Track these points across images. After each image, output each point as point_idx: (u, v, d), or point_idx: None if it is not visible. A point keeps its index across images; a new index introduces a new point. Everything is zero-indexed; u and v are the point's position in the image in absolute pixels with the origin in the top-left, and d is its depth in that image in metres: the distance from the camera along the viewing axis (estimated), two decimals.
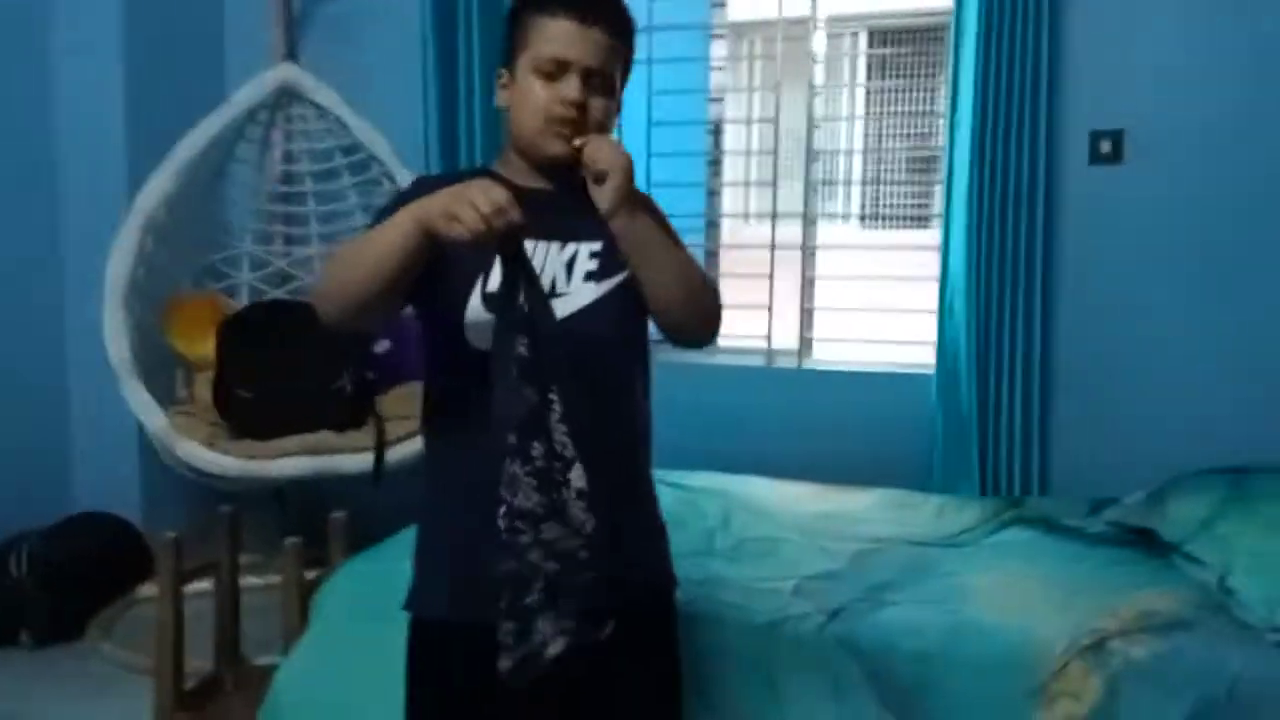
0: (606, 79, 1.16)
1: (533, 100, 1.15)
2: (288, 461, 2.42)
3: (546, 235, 1.16)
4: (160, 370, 2.63)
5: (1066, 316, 2.60)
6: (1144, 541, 2.02)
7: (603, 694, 1.20)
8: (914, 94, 7.04)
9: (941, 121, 2.69)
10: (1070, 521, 2.17)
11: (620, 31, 1.18)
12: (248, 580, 2.33)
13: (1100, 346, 2.59)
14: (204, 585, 2.12)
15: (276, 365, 2.52)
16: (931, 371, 2.69)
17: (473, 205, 0.98)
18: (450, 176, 1.23)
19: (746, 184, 3.87)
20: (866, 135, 5.89)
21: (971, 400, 2.58)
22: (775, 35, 2.90)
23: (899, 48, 6.64)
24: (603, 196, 1.10)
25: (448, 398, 1.22)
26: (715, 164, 3.07)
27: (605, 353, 1.17)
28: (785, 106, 2.90)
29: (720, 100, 3.05)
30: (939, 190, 2.72)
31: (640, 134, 2.89)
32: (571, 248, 1.18)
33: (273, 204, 3.04)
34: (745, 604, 1.76)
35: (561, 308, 1.14)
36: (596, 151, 1.11)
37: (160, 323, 2.66)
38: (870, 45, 7.13)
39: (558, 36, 1.14)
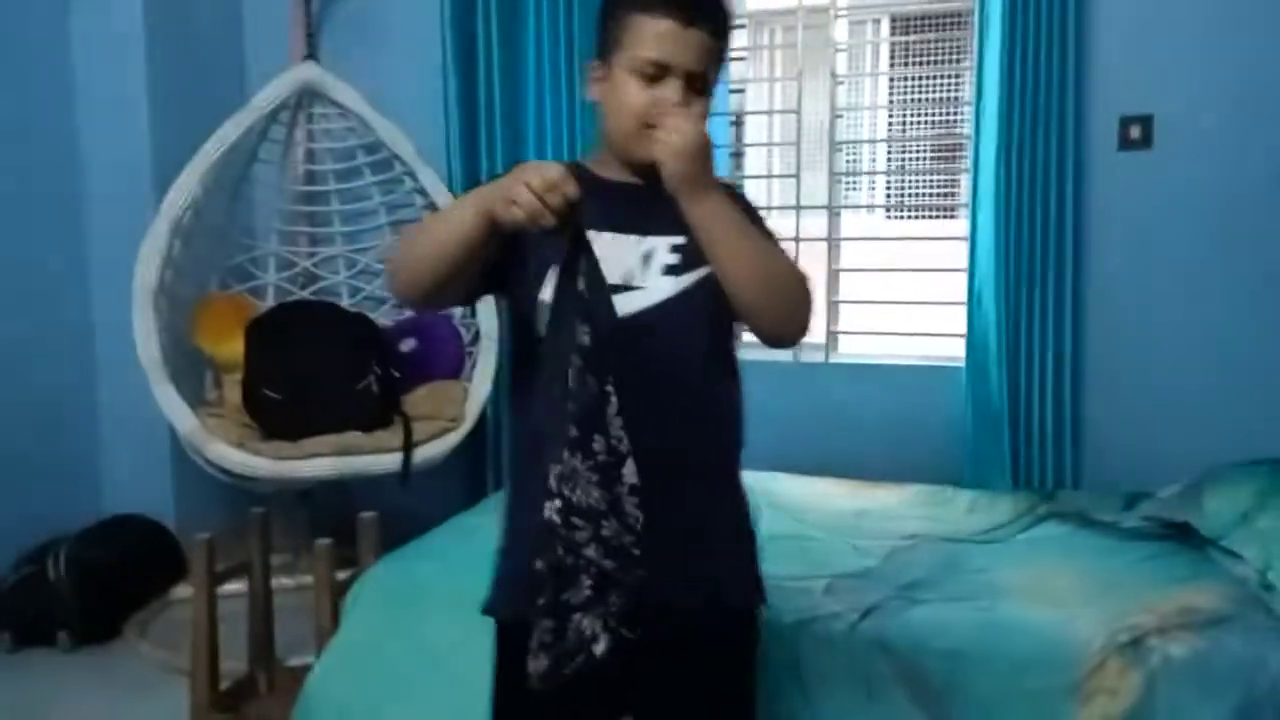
0: (705, 80, 1.13)
1: (629, 102, 1.11)
2: (317, 462, 2.43)
3: (624, 227, 1.14)
4: (189, 372, 2.66)
5: (1097, 306, 2.56)
6: (1180, 535, 1.99)
7: (660, 701, 1.16)
8: (938, 81, 6.97)
9: (967, 109, 2.65)
10: (1105, 516, 2.14)
11: (721, 30, 1.14)
12: (279, 581, 2.35)
13: (1132, 337, 2.55)
14: (237, 586, 2.14)
15: (303, 365, 2.53)
16: (961, 364, 2.66)
17: (526, 185, 0.96)
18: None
19: (769, 176, 3.84)
20: (890, 124, 5.82)
21: (1002, 393, 2.55)
22: (796, 24, 2.87)
23: (921, 34, 6.56)
24: (666, 176, 1.07)
25: (523, 388, 1.16)
26: (738, 156, 3.04)
27: (677, 349, 1.13)
28: (807, 96, 2.87)
29: (742, 91, 3.02)
30: (964, 180, 2.69)
31: None
32: (650, 241, 1.14)
33: (296, 204, 3.05)
34: (776, 603, 1.74)
35: (635, 301, 1.12)
36: (665, 132, 1.07)
37: (188, 324, 2.69)
38: (892, 32, 7.06)
39: (658, 38, 1.09)
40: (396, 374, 2.67)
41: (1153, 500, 2.13)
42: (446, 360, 2.82)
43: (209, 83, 3.02)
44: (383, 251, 2.99)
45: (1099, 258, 2.56)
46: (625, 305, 1.11)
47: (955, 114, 6.35)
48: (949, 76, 6.99)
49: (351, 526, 2.08)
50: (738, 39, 3.05)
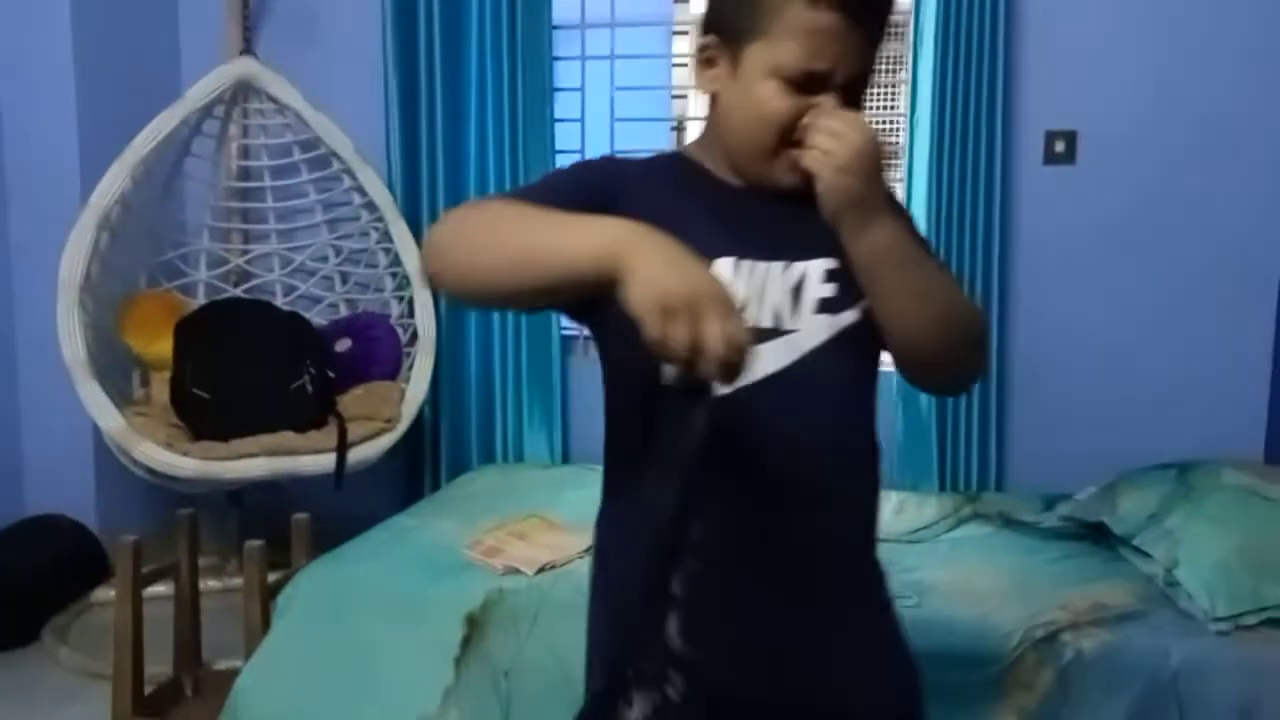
0: (861, 91, 0.88)
1: (769, 111, 0.86)
2: (248, 463, 2.39)
3: (765, 251, 0.88)
4: (116, 370, 2.59)
5: (1022, 315, 2.66)
6: (1095, 535, 2.08)
7: None
8: (876, 90, 7.07)
9: (902, 119, 2.73)
10: (1026, 516, 2.22)
11: (884, 25, 0.89)
12: (206, 583, 2.30)
13: (1054, 346, 2.65)
14: (161, 589, 2.09)
15: (235, 364, 2.49)
16: (891, 369, 2.72)
17: (702, 334, 0.69)
18: (641, 163, 0.97)
19: None
20: None
21: (930, 398, 2.62)
22: None
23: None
24: (824, 196, 0.84)
25: (632, 442, 0.89)
26: None
27: (825, 411, 0.89)
28: None
29: (684, 98, 3.05)
30: (898, 188, 2.76)
31: (604, 131, 2.90)
32: (799, 268, 0.88)
33: (230, 200, 2.99)
34: None
35: (784, 353, 0.87)
36: (823, 137, 0.83)
37: (115, 322, 2.62)
38: None
39: (818, 36, 0.83)
40: (331, 374, 2.64)
41: (1070, 501, 2.22)
42: (383, 361, 2.79)
43: (141, 73, 2.95)
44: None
45: (1024, 269, 2.65)
46: (776, 357, 0.86)
47: (891, 123, 6.50)
48: (887, 86, 7.12)
49: (284, 528, 2.05)
50: (679, 45, 3.09)
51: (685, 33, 3.07)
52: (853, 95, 0.87)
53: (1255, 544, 1.78)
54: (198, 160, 2.92)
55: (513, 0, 2.75)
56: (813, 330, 0.87)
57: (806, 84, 0.85)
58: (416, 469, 2.91)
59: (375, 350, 2.80)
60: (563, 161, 2.85)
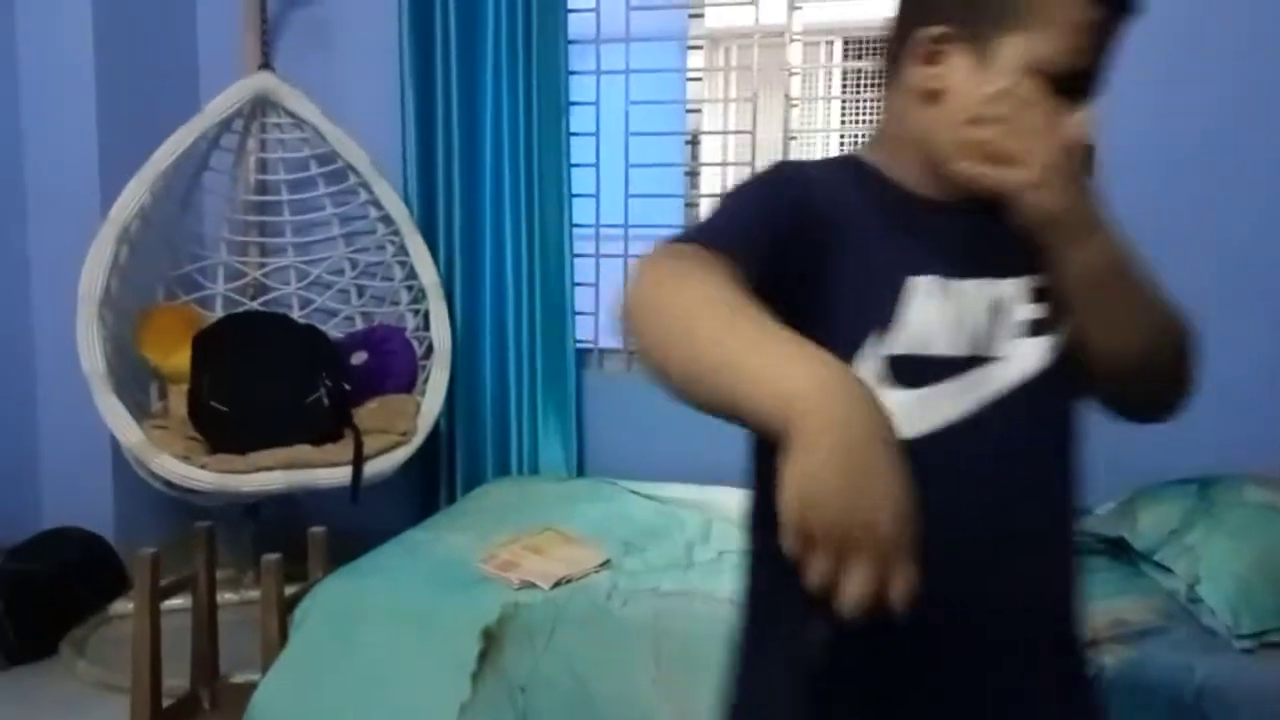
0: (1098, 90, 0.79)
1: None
2: (265, 476, 2.40)
3: (961, 268, 0.77)
4: (134, 383, 2.61)
5: None
6: (1115, 550, 2.06)
7: None
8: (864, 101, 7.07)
9: None
10: None
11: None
12: (223, 597, 2.31)
13: None
14: (178, 602, 2.10)
15: (252, 378, 2.50)
16: None
17: (847, 575, 0.54)
18: (821, 166, 0.87)
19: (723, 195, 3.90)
20: (842, 145, 5.94)
21: None
22: (751, 45, 2.92)
23: (873, 59, 6.69)
24: (1030, 208, 0.74)
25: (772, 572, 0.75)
26: (693, 175, 3.08)
27: (1042, 459, 0.78)
28: (762, 117, 2.92)
29: (698, 111, 3.06)
30: None
31: (618, 144, 2.91)
32: (998, 287, 0.78)
33: (247, 214, 3.02)
34: (728, 617, 1.77)
35: (993, 381, 0.75)
36: (1008, 137, 0.73)
37: (133, 335, 2.64)
38: (845, 56, 7.19)
39: (1089, 31, 0.74)
40: (347, 387, 2.65)
41: (1090, 516, 2.20)
42: (398, 374, 2.80)
43: (159, 88, 2.98)
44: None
45: None
46: (978, 389, 0.75)
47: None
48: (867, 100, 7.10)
49: (300, 541, 2.06)
50: (694, 60, 3.10)
51: (699, 47, 3.08)
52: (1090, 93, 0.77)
53: (1278, 560, 1.76)
54: (215, 174, 2.95)
55: (529, 15, 2.76)
56: (1025, 357, 0.76)
57: (1068, 84, 0.75)
58: (432, 482, 2.91)
59: (391, 363, 2.81)
60: (578, 176, 2.86)
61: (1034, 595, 0.77)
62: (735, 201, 0.80)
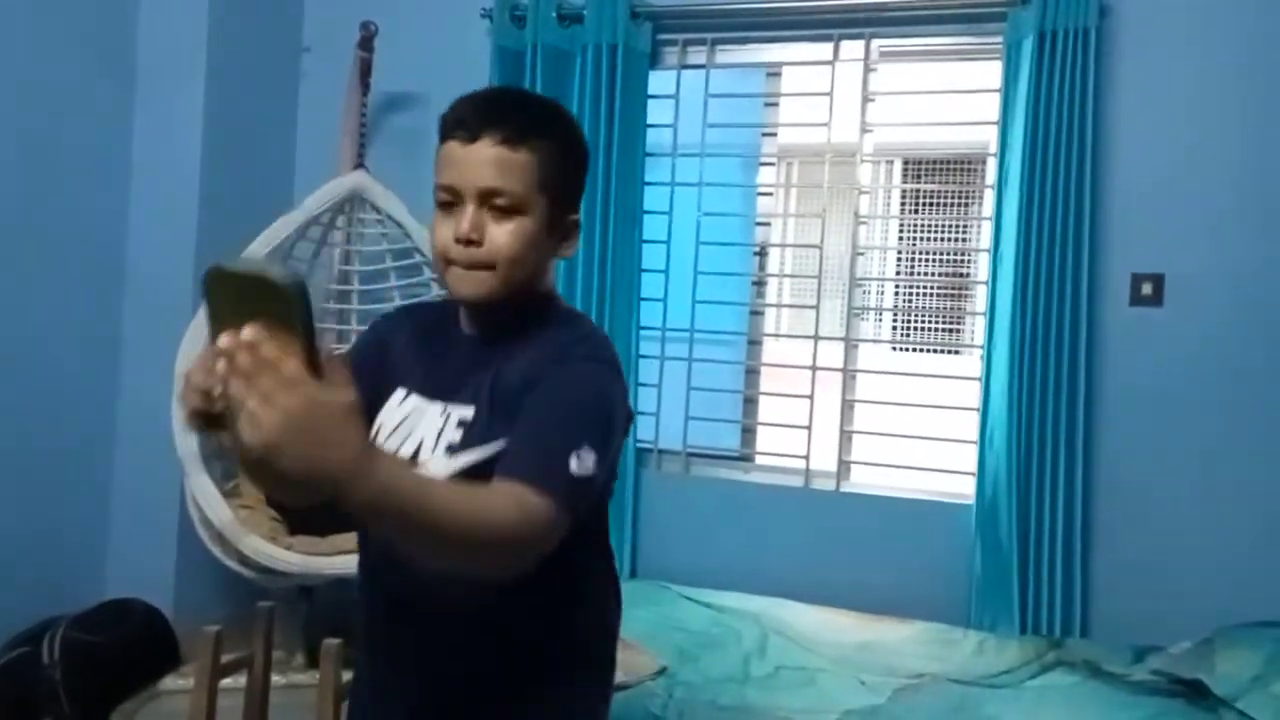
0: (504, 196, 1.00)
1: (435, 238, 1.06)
2: (349, 558, 2.41)
3: (436, 393, 1.05)
4: (211, 461, 2.67)
5: (1108, 455, 2.60)
6: (1191, 693, 1.98)
7: None
8: (946, 224, 7.19)
9: (981, 254, 2.76)
10: (1114, 667, 2.13)
11: (519, 133, 0.99)
12: (273, 679, 2.30)
13: (1142, 488, 2.58)
14: (227, 682, 2.10)
15: None
16: (971, 502, 2.68)
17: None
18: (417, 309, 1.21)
19: (789, 306, 3.96)
20: (899, 262, 6.01)
21: (1011, 534, 2.56)
22: (821, 164, 3.01)
23: (933, 180, 6.83)
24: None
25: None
26: (759, 285, 3.15)
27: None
28: (830, 233, 2.99)
29: (767, 225, 3.15)
30: (971, 319, 2.77)
31: (689, 253, 2.99)
32: (449, 410, 1.03)
33: (327, 303, 3.13)
34: None
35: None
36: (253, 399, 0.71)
37: None
38: (903, 178, 7.34)
39: (444, 158, 1.05)
40: None
41: (1163, 655, 2.13)
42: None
43: (258, 183, 3.15)
44: None
45: (1110, 407, 2.61)
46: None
47: (963, 256, 6.55)
48: (959, 223, 7.25)
49: (349, 623, 2.06)
50: (764, 175, 3.20)
51: (771, 164, 3.18)
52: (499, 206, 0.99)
53: None
54: (296, 264, 3.08)
55: (610, 127, 2.89)
56: (435, 469, 0.98)
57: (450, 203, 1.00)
58: None
59: None
60: (647, 280, 2.94)
61: (432, 660, 1.08)
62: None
